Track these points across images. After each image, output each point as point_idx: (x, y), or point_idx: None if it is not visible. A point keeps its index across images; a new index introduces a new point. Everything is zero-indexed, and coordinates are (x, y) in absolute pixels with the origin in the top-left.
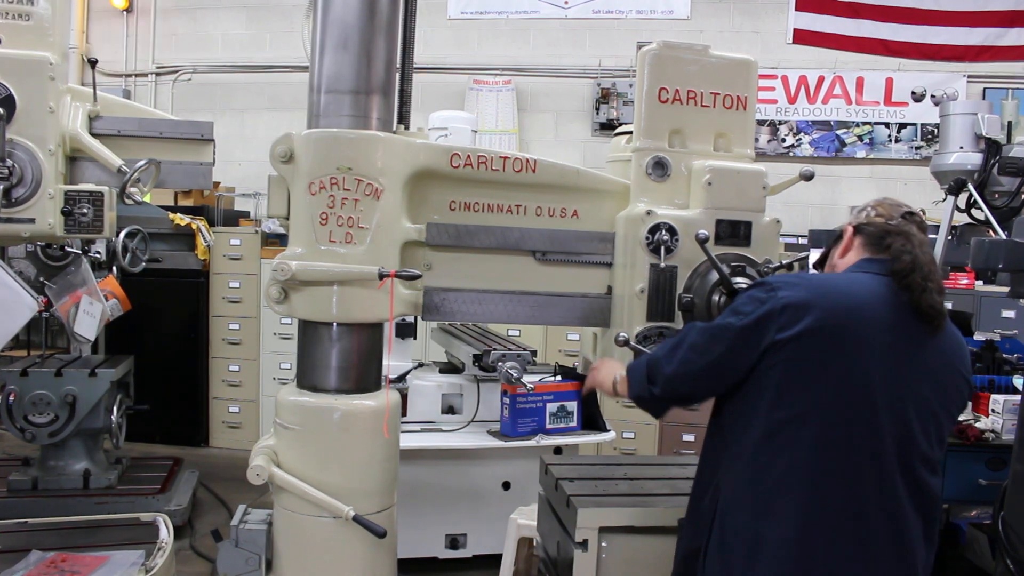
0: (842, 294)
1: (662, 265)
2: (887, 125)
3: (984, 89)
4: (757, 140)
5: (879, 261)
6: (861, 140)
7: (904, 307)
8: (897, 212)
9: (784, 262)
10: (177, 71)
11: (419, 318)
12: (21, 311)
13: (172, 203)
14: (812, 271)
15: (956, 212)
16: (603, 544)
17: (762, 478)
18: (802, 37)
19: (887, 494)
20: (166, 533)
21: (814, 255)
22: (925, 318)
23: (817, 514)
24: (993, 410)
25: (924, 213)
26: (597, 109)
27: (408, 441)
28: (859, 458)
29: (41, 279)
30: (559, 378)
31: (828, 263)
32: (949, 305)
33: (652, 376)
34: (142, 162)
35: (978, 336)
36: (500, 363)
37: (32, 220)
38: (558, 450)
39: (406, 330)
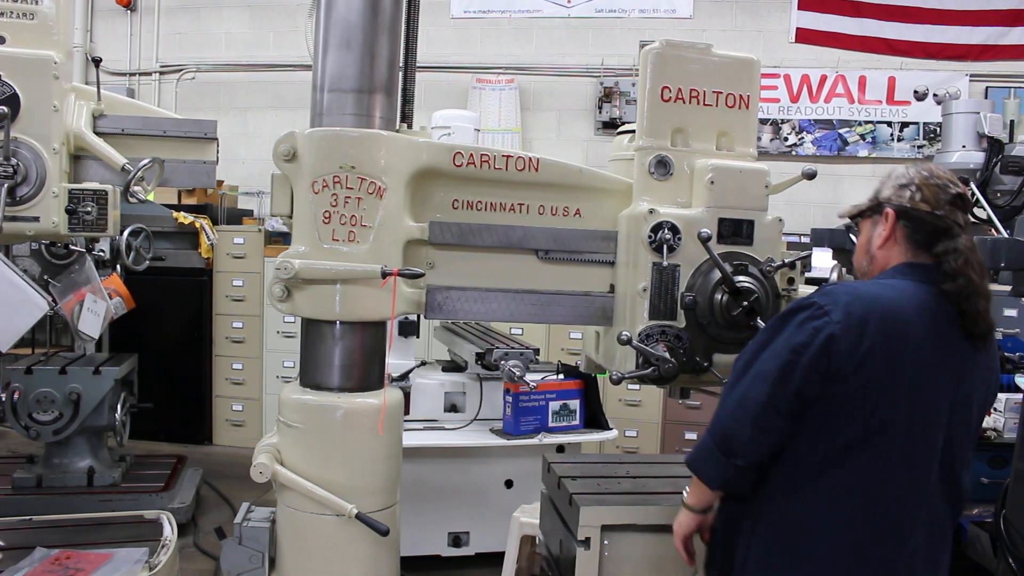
0: (895, 314)
1: (664, 264)
2: (889, 124)
3: (986, 88)
4: (759, 139)
5: (923, 267)
6: (863, 139)
7: (951, 318)
8: (945, 197)
9: (787, 260)
10: (181, 70)
11: (422, 316)
12: (30, 310)
13: (176, 201)
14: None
15: None
16: (605, 542)
17: (817, 503)
18: (805, 36)
19: (930, 505)
20: (170, 531)
21: (816, 254)
22: (978, 339)
23: (867, 546)
24: (995, 408)
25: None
26: (600, 108)
27: (411, 439)
28: (912, 476)
29: (45, 277)
30: (561, 376)
31: (865, 246)
32: None
33: (728, 449)
34: (146, 161)
35: None
36: (503, 361)
37: (36, 218)
38: (560, 448)
39: (409, 328)
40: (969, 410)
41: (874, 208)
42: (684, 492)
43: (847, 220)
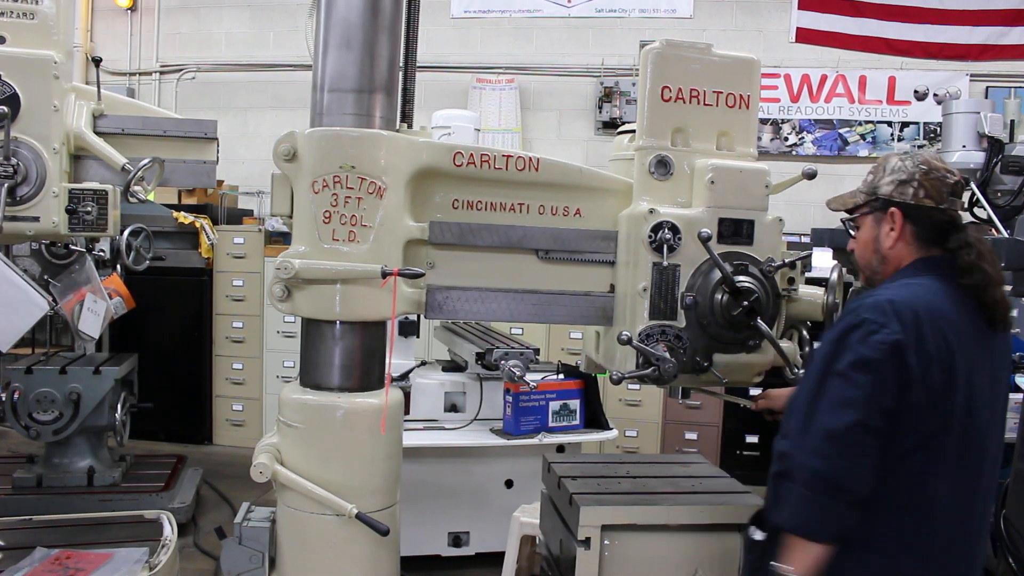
0: (937, 312)
1: (665, 264)
2: (890, 124)
3: (987, 88)
4: (760, 139)
5: (938, 261)
6: (864, 139)
7: (975, 307)
8: (946, 189)
9: (787, 260)
10: (181, 70)
11: (422, 316)
12: (30, 310)
13: (176, 201)
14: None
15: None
16: (606, 542)
17: (882, 504)
18: (805, 36)
19: (986, 492)
20: (170, 530)
21: (816, 254)
22: (1000, 323)
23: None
24: None
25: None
26: (600, 108)
27: (411, 439)
28: (969, 466)
29: (45, 277)
30: (562, 376)
31: (871, 244)
32: None
33: (832, 488)
34: (146, 160)
35: None
36: (503, 361)
37: (37, 218)
38: (561, 448)
39: (409, 328)
40: (1004, 390)
41: (873, 204)
42: (780, 572)
43: (843, 213)
